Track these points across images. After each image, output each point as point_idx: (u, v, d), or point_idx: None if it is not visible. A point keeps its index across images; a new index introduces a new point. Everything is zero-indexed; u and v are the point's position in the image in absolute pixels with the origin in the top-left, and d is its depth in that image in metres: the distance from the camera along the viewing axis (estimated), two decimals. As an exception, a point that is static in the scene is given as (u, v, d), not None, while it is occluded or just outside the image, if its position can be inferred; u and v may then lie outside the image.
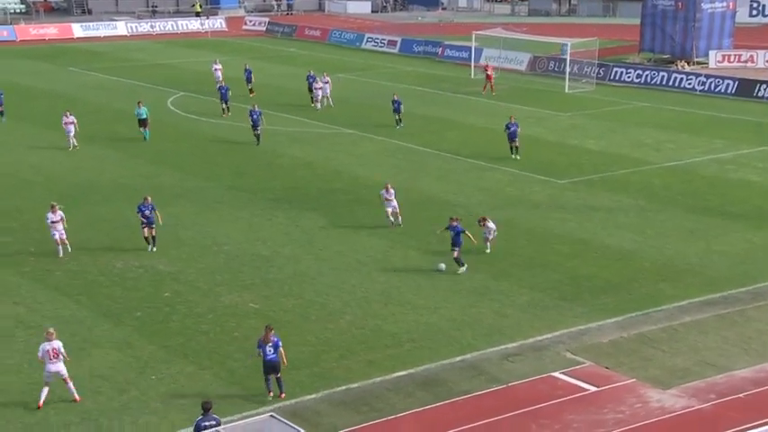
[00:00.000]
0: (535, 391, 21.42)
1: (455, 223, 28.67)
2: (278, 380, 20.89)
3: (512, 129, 41.56)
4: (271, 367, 20.74)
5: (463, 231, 28.53)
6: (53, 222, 29.24)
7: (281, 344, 20.97)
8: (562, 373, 22.31)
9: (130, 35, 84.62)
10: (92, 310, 25.44)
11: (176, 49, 77.02)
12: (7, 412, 20.37)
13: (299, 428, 16.11)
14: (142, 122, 44.65)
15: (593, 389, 21.61)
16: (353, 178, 39.09)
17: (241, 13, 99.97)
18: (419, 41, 77.29)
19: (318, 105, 52.54)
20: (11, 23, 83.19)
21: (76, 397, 20.74)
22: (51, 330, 20.86)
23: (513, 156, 41.56)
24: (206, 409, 17.77)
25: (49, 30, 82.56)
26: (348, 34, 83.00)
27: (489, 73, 58.61)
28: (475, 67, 65.01)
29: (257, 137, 43.91)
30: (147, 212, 29.70)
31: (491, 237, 30.35)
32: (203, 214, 33.86)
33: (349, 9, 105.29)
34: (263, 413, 18.48)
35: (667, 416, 20.36)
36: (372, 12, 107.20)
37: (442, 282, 27.94)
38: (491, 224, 30.34)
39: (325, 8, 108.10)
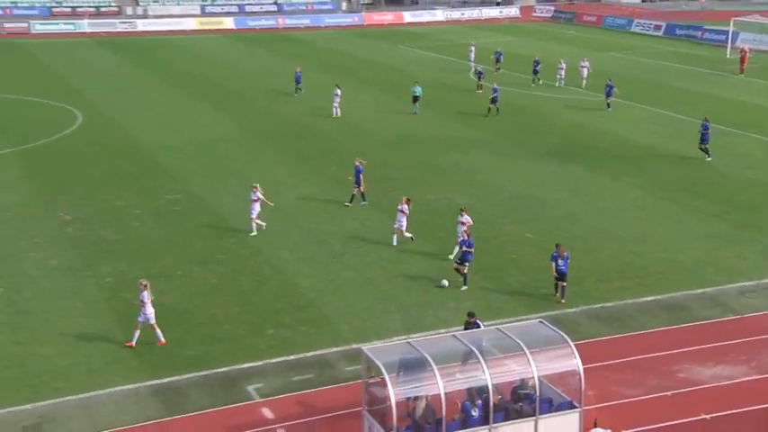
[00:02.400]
0: (768, 325, 19.62)
1: (465, 236, 21.94)
2: (563, 287, 20.95)
3: (703, 131, 32.91)
4: (561, 275, 20.85)
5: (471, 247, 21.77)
6: (253, 201, 25.06)
7: (569, 256, 20.95)
8: (795, 311, 20.23)
9: (446, 20, 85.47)
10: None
11: (479, 31, 76.72)
12: (343, 295, 21.67)
13: (562, 333, 15.85)
14: (415, 99, 41.79)
15: (824, 328, 19.40)
16: (617, 138, 37.27)
17: (531, 2, 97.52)
18: (681, 26, 71.49)
19: (584, 83, 48.57)
20: (360, 11, 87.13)
21: (162, 340, 18.47)
22: (144, 282, 18.50)
23: (707, 158, 33.07)
24: (470, 314, 17.69)
25: (386, 16, 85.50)
26: (620, 20, 78.46)
27: (743, 56, 52.99)
28: (731, 48, 59.15)
29: (490, 110, 41.14)
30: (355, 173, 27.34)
31: (459, 239, 22.01)
32: (492, 161, 33.85)
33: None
34: (533, 318, 18.41)
35: None
36: (642, 1, 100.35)
37: (691, 227, 26.10)
38: (466, 217, 23.04)
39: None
